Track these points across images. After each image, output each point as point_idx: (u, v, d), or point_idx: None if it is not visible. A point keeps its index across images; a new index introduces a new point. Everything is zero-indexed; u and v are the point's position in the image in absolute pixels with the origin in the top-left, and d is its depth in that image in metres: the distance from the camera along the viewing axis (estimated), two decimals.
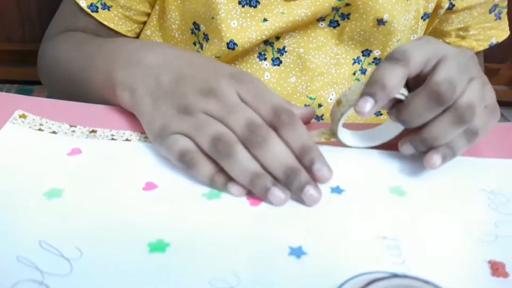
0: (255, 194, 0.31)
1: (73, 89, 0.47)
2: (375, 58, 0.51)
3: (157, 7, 0.52)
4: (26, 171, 0.32)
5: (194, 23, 0.49)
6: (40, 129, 0.37)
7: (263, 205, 0.31)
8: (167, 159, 0.34)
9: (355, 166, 0.36)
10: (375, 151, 0.37)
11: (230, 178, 0.31)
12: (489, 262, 0.27)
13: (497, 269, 0.27)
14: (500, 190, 0.34)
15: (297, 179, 0.30)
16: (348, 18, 0.48)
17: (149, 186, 0.32)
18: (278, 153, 0.31)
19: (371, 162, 0.36)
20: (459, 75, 0.32)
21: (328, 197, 0.32)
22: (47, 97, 0.45)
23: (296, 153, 0.31)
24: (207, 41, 0.49)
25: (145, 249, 0.26)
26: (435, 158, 0.33)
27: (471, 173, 0.36)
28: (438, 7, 0.51)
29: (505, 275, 0.26)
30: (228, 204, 0.30)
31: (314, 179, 0.31)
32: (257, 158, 0.31)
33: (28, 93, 1.59)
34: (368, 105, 0.31)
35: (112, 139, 0.37)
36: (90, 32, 0.51)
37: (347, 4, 0.46)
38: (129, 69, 0.39)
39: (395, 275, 0.20)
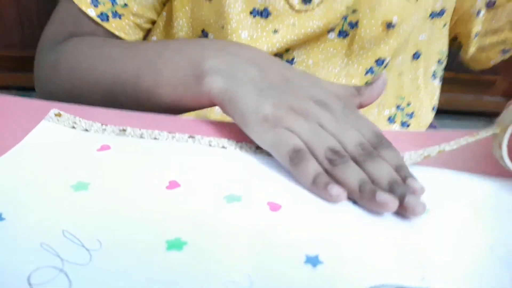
0: (362, 198, 0.31)
1: (119, 93, 0.45)
2: (385, 64, 0.51)
3: (164, 13, 0.52)
4: (56, 165, 0.33)
5: (203, 31, 0.49)
6: (73, 127, 0.39)
7: (283, 210, 0.31)
8: (192, 160, 0.35)
9: None
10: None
11: (332, 182, 0.32)
12: None
13: None
14: (486, 202, 0.33)
15: (399, 189, 0.31)
16: (357, 26, 0.47)
17: (173, 185, 0.32)
18: (384, 168, 0.32)
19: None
20: None
21: (352, 208, 0.32)
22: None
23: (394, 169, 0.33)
24: None
25: (163, 246, 0.27)
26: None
27: (457, 184, 0.35)
28: (465, 7, 0.51)
29: None
30: (248, 207, 0.31)
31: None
32: (365, 171, 0.32)
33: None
34: None
35: (141, 137, 0.38)
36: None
37: (354, 11, 0.46)
38: (225, 57, 0.39)
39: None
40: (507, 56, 0.56)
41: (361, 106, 0.40)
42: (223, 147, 0.38)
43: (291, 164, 0.33)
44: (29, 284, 0.23)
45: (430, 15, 0.51)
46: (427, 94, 0.57)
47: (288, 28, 0.46)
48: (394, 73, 0.54)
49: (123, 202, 0.30)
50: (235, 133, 0.40)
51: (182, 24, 0.51)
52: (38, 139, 0.36)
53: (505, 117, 0.34)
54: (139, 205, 0.30)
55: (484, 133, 0.35)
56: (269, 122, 0.35)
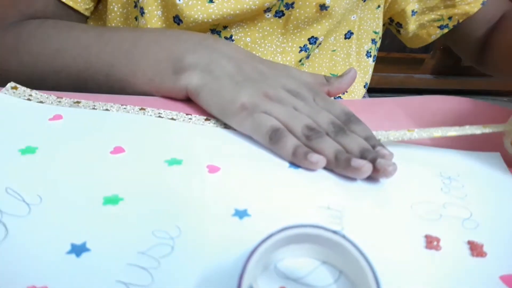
0: (338, 166, 0.33)
1: (88, 80, 0.45)
2: (319, 44, 0.53)
3: None
4: (8, 131, 0.35)
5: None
6: (28, 99, 0.40)
7: (221, 172, 0.32)
8: (140, 128, 0.36)
9: None
10: None
11: (311, 151, 0.34)
12: (426, 236, 0.28)
13: (431, 242, 0.28)
14: (457, 176, 0.35)
15: (371, 155, 0.33)
16: (293, 7, 0.49)
17: (117, 150, 0.34)
18: (355, 140, 0.35)
19: None
20: None
21: (285, 171, 0.34)
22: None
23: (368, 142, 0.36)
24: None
25: (100, 201, 0.28)
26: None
27: (432, 160, 0.37)
28: None
29: (437, 248, 0.27)
30: (187, 170, 0.32)
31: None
32: (338, 143, 0.35)
33: None
34: None
35: (94, 108, 0.40)
36: (49, 15, 0.49)
37: None
38: (203, 52, 0.41)
39: (304, 225, 0.21)
40: (445, 30, 0.58)
41: (329, 95, 0.42)
42: (173, 118, 0.39)
43: (271, 142, 0.35)
44: None
45: None
46: (360, 71, 0.60)
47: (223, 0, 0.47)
48: (327, 51, 0.56)
49: (67, 164, 0.32)
50: (187, 106, 0.42)
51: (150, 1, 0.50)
52: None
53: None
54: (82, 166, 0.32)
55: (494, 128, 0.37)
56: (247, 109, 0.37)
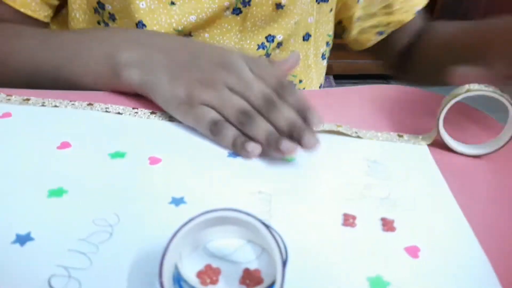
0: (269, 148, 0.36)
1: (40, 82, 0.46)
2: (278, 43, 0.55)
3: None
4: None
5: (99, 2, 0.51)
6: None
7: (162, 163, 0.35)
8: (86, 123, 0.38)
9: None
10: None
11: (248, 141, 0.37)
12: (344, 214, 0.32)
13: (347, 219, 0.31)
14: (382, 160, 0.39)
15: (296, 132, 0.36)
16: (249, 5, 0.52)
17: (64, 145, 0.36)
18: (285, 114, 0.37)
19: None
20: None
21: (224, 160, 0.36)
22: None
23: (298, 112, 0.38)
24: (113, 21, 0.52)
25: (45, 194, 0.30)
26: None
27: (361, 147, 0.40)
28: None
29: (353, 225, 0.31)
30: (129, 162, 0.35)
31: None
32: (270, 120, 0.37)
33: None
34: None
35: (43, 105, 0.41)
36: (8, 20, 0.50)
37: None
38: (136, 49, 0.42)
39: (221, 209, 0.24)
40: (382, 37, 0.62)
41: None
42: (119, 113, 0.41)
43: (213, 135, 0.38)
44: None
45: (317, 0, 0.57)
46: (316, 73, 0.63)
47: (184, 2, 0.50)
48: (287, 52, 0.59)
49: (15, 159, 0.34)
50: (135, 100, 0.44)
51: None
52: None
53: (452, 93, 0.39)
54: (29, 161, 0.34)
55: (414, 139, 0.42)
56: (186, 103, 0.39)
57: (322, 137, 0.38)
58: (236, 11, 0.52)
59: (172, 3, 0.50)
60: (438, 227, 0.31)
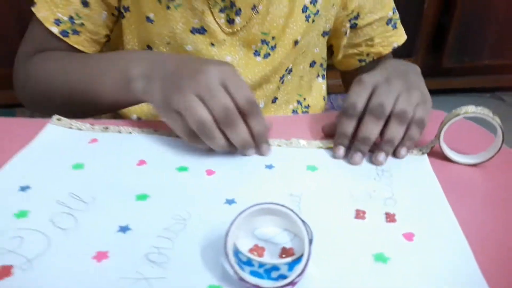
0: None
1: (75, 99, 0.57)
2: (290, 71, 0.68)
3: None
4: (60, 153, 0.48)
5: (148, 46, 0.63)
6: (70, 127, 0.53)
7: (216, 174, 0.46)
8: (156, 144, 0.50)
9: (284, 151, 0.50)
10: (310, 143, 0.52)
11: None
12: (356, 210, 0.41)
13: (359, 214, 0.41)
14: (388, 169, 0.48)
15: (246, 150, 0.48)
16: (275, 48, 0.63)
17: (141, 162, 0.47)
18: (241, 134, 0.46)
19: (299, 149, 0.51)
20: (387, 95, 0.48)
21: (262, 171, 0.47)
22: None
23: (254, 134, 0.47)
24: None
25: (133, 198, 0.42)
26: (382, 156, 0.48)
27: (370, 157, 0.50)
28: (338, 27, 0.68)
29: (363, 218, 0.41)
30: (192, 174, 0.46)
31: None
32: (226, 134, 0.46)
33: (12, 114, 1.76)
34: (341, 151, 0.50)
35: (119, 132, 0.53)
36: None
37: (273, 38, 0.62)
38: (145, 64, 0.51)
39: (266, 203, 0.34)
40: (363, 64, 0.72)
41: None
42: (178, 136, 0.53)
43: (189, 140, 0.47)
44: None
45: (322, 34, 0.68)
46: (316, 91, 0.75)
47: (221, 42, 0.62)
48: (297, 76, 0.70)
49: (107, 174, 0.45)
50: None
51: (129, 39, 0.64)
52: (46, 137, 0.51)
53: (452, 112, 0.49)
54: (117, 175, 0.45)
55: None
56: (164, 108, 0.47)
57: None
58: (267, 56, 0.64)
59: (212, 45, 0.62)
60: (430, 219, 0.41)
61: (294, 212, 0.34)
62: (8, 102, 1.78)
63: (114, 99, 0.55)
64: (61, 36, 0.60)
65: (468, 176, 0.49)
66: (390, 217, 0.41)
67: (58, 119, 0.55)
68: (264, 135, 0.48)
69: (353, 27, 0.69)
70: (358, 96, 0.49)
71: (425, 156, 0.51)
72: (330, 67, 0.77)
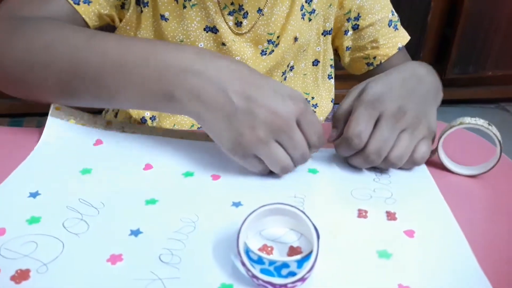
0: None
1: (77, 85, 0.47)
2: (291, 67, 0.70)
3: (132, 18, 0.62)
4: (65, 157, 0.49)
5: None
6: (69, 119, 0.53)
7: (221, 179, 0.47)
8: (162, 147, 0.51)
9: None
10: None
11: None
12: (358, 209, 0.43)
13: (361, 213, 0.43)
14: (387, 171, 0.50)
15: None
16: (278, 44, 0.66)
17: (148, 167, 0.48)
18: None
19: None
20: (389, 135, 0.46)
21: (266, 175, 0.48)
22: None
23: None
24: None
25: (143, 203, 0.43)
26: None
27: None
28: (338, 27, 0.70)
29: (365, 217, 0.42)
30: (197, 179, 0.47)
31: None
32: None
33: (19, 124, 1.76)
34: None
35: (123, 131, 0.54)
36: (59, 20, 0.53)
37: (278, 37, 0.65)
38: (191, 80, 0.44)
39: (274, 203, 0.36)
40: (371, 68, 0.73)
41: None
42: (182, 137, 0.54)
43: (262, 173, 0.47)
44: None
45: (322, 33, 0.71)
46: (325, 90, 0.76)
47: (231, 42, 0.64)
48: (299, 74, 0.72)
49: (115, 179, 0.46)
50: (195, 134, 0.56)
51: (142, 34, 0.63)
52: (51, 137, 0.51)
53: (449, 124, 0.50)
54: (126, 179, 0.46)
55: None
56: (239, 152, 0.45)
57: (338, 156, 0.50)
58: (271, 53, 0.66)
59: (223, 44, 0.64)
60: (428, 217, 0.43)
61: (302, 211, 0.36)
62: (15, 111, 1.78)
63: (140, 105, 0.48)
64: (71, 2, 0.56)
65: (465, 185, 0.50)
66: (390, 216, 0.42)
67: (57, 108, 0.53)
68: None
69: (356, 28, 0.71)
70: (365, 126, 0.46)
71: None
72: (336, 77, 0.78)
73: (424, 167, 0.51)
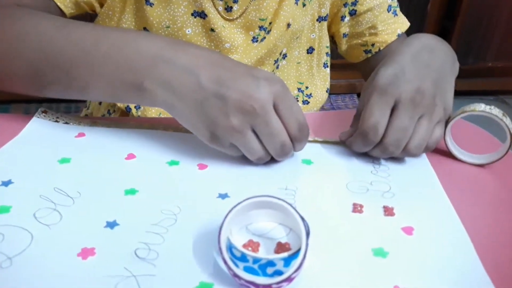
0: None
1: (48, 74, 0.45)
2: (284, 55, 0.66)
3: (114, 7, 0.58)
4: (45, 148, 0.46)
5: (144, 28, 0.60)
6: (56, 121, 0.52)
7: (208, 168, 0.44)
8: (146, 138, 0.48)
9: None
10: None
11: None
12: (353, 204, 0.40)
13: (356, 207, 0.39)
14: (385, 162, 0.47)
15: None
16: (270, 31, 0.62)
17: (130, 156, 0.45)
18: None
19: None
20: (408, 123, 0.42)
21: (256, 165, 0.45)
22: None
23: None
24: None
25: (122, 193, 0.40)
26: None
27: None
28: (334, 12, 0.67)
29: (361, 211, 0.39)
30: (183, 168, 0.44)
31: None
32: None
33: (6, 110, 1.72)
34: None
35: (109, 127, 0.51)
36: (35, 9, 0.50)
37: (270, 23, 0.61)
38: (161, 68, 0.42)
39: (260, 196, 0.33)
40: (369, 55, 0.70)
41: None
42: (165, 129, 0.51)
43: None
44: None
45: (317, 19, 0.67)
46: (320, 80, 0.72)
47: (221, 28, 0.60)
48: (293, 63, 0.68)
49: (95, 169, 0.43)
50: None
51: (127, 18, 0.59)
52: (32, 132, 0.49)
53: (460, 109, 0.47)
54: (106, 169, 0.43)
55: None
56: (216, 143, 0.42)
57: (334, 147, 0.47)
58: (263, 40, 0.62)
59: (212, 30, 0.60)
60: (429, 212, 0.40)
61: (290, 205, 0.33)
62: (1, 98, 1.76)
63: (112, 96, 0.46)
64: None
65: (468, 179, 0.46)
66: (388, 211, 0.39)
67: (44, 112, 0.53)
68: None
69: (353, 14, 0.67)
70: (380, 116, 0.43)
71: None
72: (332, 67, 0.75)
73: (425, 158, 0.48)
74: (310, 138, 0.49)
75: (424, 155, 0.49)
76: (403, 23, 0.69)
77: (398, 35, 0.68)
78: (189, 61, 0.42)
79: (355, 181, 0.44)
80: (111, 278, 0.31)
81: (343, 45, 0.71)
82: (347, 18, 0.68)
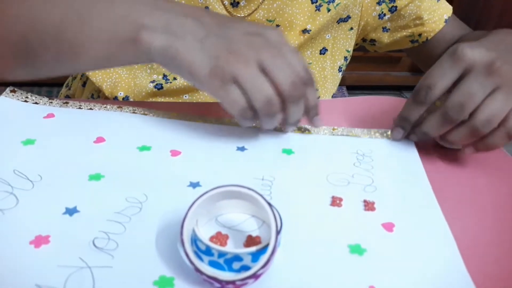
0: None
1: (41, 38, 0.42)
2: None
3: None
4: (10, 127, 0.43)
5: None
6: (25, 101, 0.49)
7: (181, 155, 0.42)
8: (117, 122, 0.45)
9: (259, 132, 0.46)
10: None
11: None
12: (332, 197, 0.38)
13: (335, 201, 0.37)
14: (370, 153, 0.45)
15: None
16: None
17: (99, 140, 0.43)
18: (299, 112, 0.41)
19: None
20: (477, 88, 0.38)
21: (233, 153, 0.43)
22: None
23: (309, 107, 0.42)
24: None
25: (86, 178, 0.37)
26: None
27: (354, 143, 0.46)
28: (368, 14, 0.63)
29: (339, 205, 0.37)
30: (154, 154, 0.41)
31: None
32: (286, 111, 0.40)
33: None
34: (399, 134, 0.46)
35: (80, 108, 0.48)
36: None
37: (277, 25, 0.58)
38: (159, 13, 0.40)
39: (228, 185, 0.30)
40: (416, 45, 0.67)
41: None
42: (145, 113, 0.48)
43: (241, 120, 0.40)
44: None
45: (337, 21, 0.63)
46: (332, 84, 0.69)
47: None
48: None
49: (60, 151, 0.41)
50: (159, 105, 0.51)
51: None
52: None
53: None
54: (71, 152, 0.40)
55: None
56: (216, 77, 0.37)
57: (318, 137, 0.45)
58: None
59: None
60: (412, 209, 0.37)
61: (261, 195, 0.30)
62: None
63: (106, 52, 0.41)
64: None
65: (449, 162, 0.45)
66: (368, 205, 0.37)
67: (12, 91, 0.50)
68: (318, 107, 0.42)
69: (394, 10, 0.64)
70: (440, 77, 0.39)
71: (412, 142, 0.47)
72: None
73: (415, 152, 0.46)
74: (294, 127, 0.47)
75: (414, 148, 0.46)
76: (447, 7, 0.66)
77: (446, 21, 0.65)
78: (188, 9, 0.41)
79: (336, 173, 0.41)
80: (63, 269, 0.29)
81: (385, 40, 0.68)
82: (387, 16, 0.64)
